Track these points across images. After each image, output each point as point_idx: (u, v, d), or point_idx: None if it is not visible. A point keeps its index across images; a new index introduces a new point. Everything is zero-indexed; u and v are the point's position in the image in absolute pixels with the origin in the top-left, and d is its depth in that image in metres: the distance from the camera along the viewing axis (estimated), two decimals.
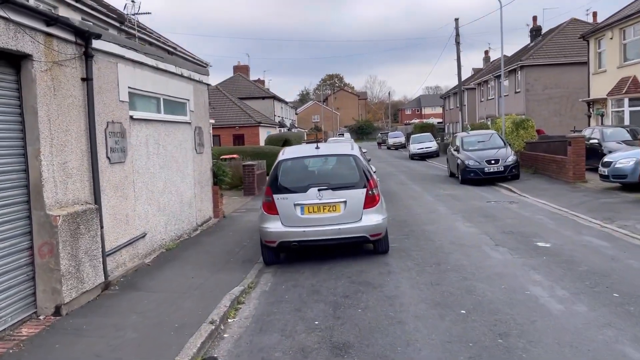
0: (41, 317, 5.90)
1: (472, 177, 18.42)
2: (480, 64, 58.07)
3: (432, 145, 36.46)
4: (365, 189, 8.14)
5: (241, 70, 61.60)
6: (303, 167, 8.61)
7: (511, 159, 18.43)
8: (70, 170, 6.41)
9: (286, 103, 68.30)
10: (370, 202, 8.15)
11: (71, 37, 6.44)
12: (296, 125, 78.97)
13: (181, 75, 10.38)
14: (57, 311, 5.94)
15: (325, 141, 40.31)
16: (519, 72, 34.25)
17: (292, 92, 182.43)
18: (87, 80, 6.74)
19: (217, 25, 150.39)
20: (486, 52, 56.46)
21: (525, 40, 40.91)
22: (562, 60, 32.85)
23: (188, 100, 10.86)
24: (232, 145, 41.48)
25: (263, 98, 56.05)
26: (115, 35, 7.75)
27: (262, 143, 36.77)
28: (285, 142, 28.52)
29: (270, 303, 6.64)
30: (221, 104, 44.36)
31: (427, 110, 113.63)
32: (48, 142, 5.98)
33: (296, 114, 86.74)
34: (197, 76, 11.34)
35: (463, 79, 54.31)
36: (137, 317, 5.96)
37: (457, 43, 32.36)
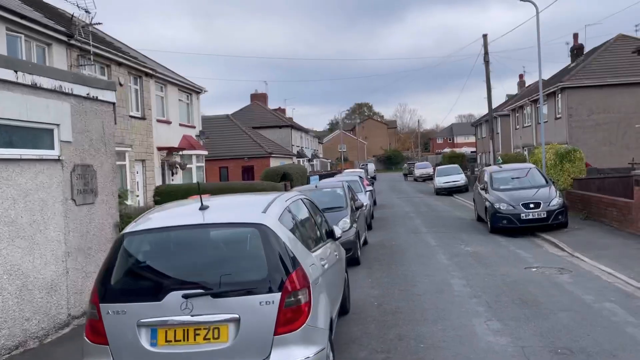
0: None
1: (504, 225, 14.09)
2: (514, 91, 53.53)
3: (460, 178, 32.00)
4: (279, 294, 4.11)
5: (258, 98, 58.68)
6: (163, 250, 4.57)
7: (556, 201, 14.06)
8: None
9: (307, 132, 64.72)
10: (289, 320, 4.09)
11: None
12: (320, 156, 75.27)
13: (34, 87, 6.64)
14: None
15: (341, 172, 36.13)
16: (560, 95, 29.74)
17: (322, 122, 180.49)
18: None
19: (250, 58, 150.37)
20: (521, 76, 51.95)
21: (564, 64, 36.40)
22: (611, 80, 28.24)
23: (57, 125, 7.11)
24: (241, 179, 37.91)
25: (280, 127, 52.74)
26: None
27: None
28: (284, 177, 24.63)
29: None
30: (230, 134, 41.16)
31: (459, 139, 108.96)
32: None
33: (321, 143, 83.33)
34: (81, 90, 7.60)
35: (496, 105, 49.91)
36: None
37: (486, 62, 28.19)
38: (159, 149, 22.48)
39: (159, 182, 22.48)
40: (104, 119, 8.25)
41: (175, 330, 4.07)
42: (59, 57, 15.74)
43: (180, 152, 24.33)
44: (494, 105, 40.63)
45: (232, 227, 4.56)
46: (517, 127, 39.33)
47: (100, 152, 8.15)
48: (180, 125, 25.24)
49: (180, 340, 4.05)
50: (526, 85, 49.20)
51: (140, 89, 21.13)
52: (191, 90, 26.76)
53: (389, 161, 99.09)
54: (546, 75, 37.95)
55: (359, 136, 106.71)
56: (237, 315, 4.04)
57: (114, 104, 8.56)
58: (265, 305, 4.06)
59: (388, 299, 8.19)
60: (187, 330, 4.06)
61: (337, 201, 12.11)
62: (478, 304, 7.62)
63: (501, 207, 14.20)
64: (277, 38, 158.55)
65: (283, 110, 66.50)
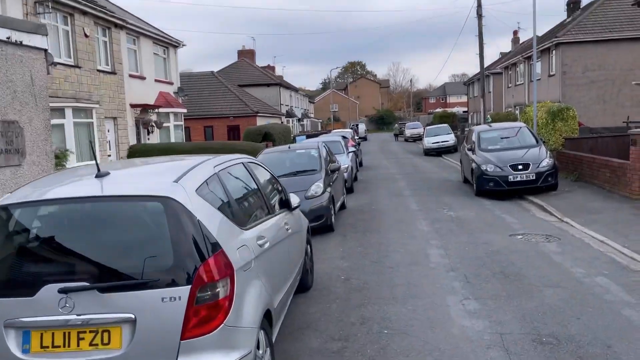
0: None
1: (491, 187, 13.28)
2: (509, 49, 51.98)
3: (450, 138, 30.99)
4: (188, 288, 3.20)
5: (246, 55, 56.46)
6: (38, 231, 3.56)
7: (546, 162, 13.20)
8: None
9: (296, 91, 62.91)
10: (202, 320, 3.20)
11: None
12: (310, 115, 73.65)
13: None
14: None
15: (330, 132, 34.70)
16: (554, 51, 28.54)
17: (314, 81, 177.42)
18: None
19: (238, 9, 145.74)
20: (515, 33, 50.30)
21: (561, 19, 34.97)
22: (608, 35, 27.04)
23: None
24: (227, 138, 36.67)
25: (268, 85, 50.81)
26: None
27: None
28: (265, 137, 23.56)
29: None
30: (215, 92, 39.63)
31: (452, 99, 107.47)
32: None
33: (312, 102, 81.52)
34: None
35: (489, 63, 48.48)
36: None
37: (479, 15, 26.79)
38: (132, 106, 21.28)
39: (133, 142, 21.39)
40: (32, 67, 7.18)
41: (53, 334, 3.18)
42: (13, 4, 14.39)
43: (157, 110, 23.13)
44: (486, 64, 39.36)
45: (131, 201, 3.52)
46: (510, 85, 38.19)
47: (29, 106, 7.11)
48: (156, 81, 23.93)
49: (59, 346, 3.17)
50: (520, 42, 47.72)
51: (110, 41, 19.76)
52: (168, 43, 25.30)
53: (381, 121, 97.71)
54: (541, 32, 36.57)
55: (351, 95, 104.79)
56: (133, 315, 3.15)
57: (45, 50, 7.46)
58: (169, 302, 3.16)
59: (357, 272, 7.37)
60: (69, 333, 3.17)
61: (311, 163, 11.17)
62: (455, 279, 6.81)
63: (488, 169, 13.34)
64: None
65: (272, 68, 64.29)
